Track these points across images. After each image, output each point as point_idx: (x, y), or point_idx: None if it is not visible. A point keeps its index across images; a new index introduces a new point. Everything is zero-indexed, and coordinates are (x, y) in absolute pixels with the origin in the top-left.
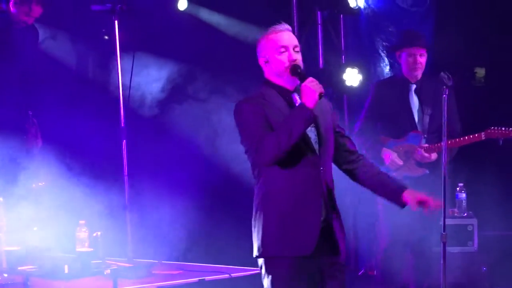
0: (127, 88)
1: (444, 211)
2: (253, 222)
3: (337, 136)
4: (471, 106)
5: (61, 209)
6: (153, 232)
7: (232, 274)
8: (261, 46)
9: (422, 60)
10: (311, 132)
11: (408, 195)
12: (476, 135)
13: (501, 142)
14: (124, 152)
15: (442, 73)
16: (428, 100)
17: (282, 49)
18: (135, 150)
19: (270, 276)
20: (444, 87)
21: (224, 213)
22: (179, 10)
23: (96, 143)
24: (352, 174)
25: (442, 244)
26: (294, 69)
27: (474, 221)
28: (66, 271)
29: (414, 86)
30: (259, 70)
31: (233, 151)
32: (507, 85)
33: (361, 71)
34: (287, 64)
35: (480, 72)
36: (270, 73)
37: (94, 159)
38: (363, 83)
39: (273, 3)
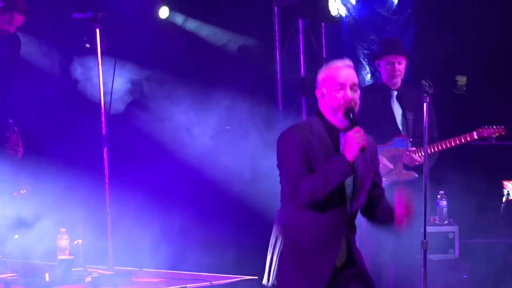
0: (109, 95)
1: (425, 218)
2: (269, 247)
3: (372, 184)
4: (453, 113)
5: (42, 217)
6: (134, 239)
7: (213, 282)
8: (319, 78)
9: (401, 67)
10: (348, 179)
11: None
12: (468, 134)
13: (493, 140)
14: (106, 159)
15: (423, 81)
16: (410, 106)
17: (339, 87)
18: (116, 157)
19: None
20: (425, 94)
21: (206, 220)
22: (160, 18)
23: (78, 151)
24: (368, 217)
25: (422, 251)
26: (347, 112)
27: (455, 228)
28: (47, 279)
29: (395, 93)
30: (240, 79)
31: (216, 156)
32: (487, 93)
33: None
34: (341, 102)
35: (462, 80)
36: (323, 107)
37: (75, 166)
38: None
39: (255, 11)
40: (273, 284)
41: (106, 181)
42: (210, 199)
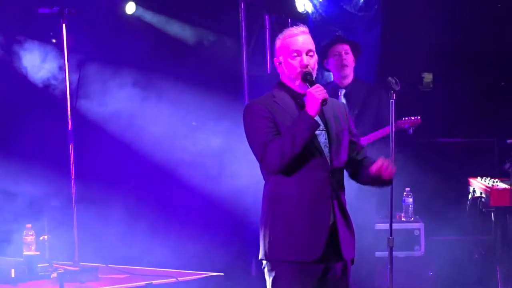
0: (75, 90)
1: (391, 215)
2: (260, 225)
3: (351, 142)
4: (419, 110)
5: (7, 213)
6: (100, 235)
7: (179, 278)
8: (276, 47)
9: (348, 58)
10: (321, 135)
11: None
12: (387, 127)
13: (411, 131)
14: (72, 155)
15: (389, 78)
16: (356, 102)
17: (295, 54)
18: (82, 152)
19: (274, 280)
20: (392, 91)
21: (171, 216)
22: (126, 13)
23: (44, 146)
24: (356, 179)
25: (389, 248)
26: (304, 76)
27: (421, 225)
28: (13, 275)
29: (343, 91)
30: (206, 75)
31: (181, 152)
32: (453, 90)
33: None
34: (298, 69)
35: (428, 77)
36: (283, 76)
37: (41, 162)
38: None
39: (221, 7)
40: (268, 258)
41: (72, 177)
42: (176, 195)
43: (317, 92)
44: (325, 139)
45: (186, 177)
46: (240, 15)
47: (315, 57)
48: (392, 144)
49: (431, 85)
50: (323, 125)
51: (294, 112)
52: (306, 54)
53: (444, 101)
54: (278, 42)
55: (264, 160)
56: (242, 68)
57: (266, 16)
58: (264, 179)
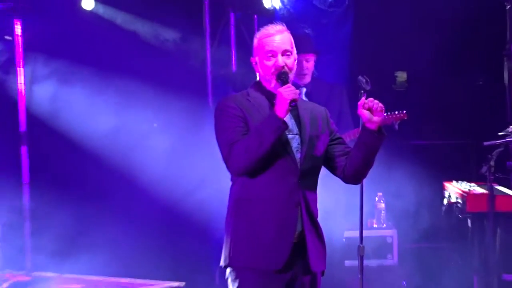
0: (28, 90)
1: (361, 221)
2: (224, 229)
3: (334, 144)
4: (392, 111)
5: None
6: (55, 243)
7: None
8: (253, 47)
9: (309, 65)
10: (294, 140)
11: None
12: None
13: (396, 126)
14: (24, 158)
15: (360, 77)
16: (319, 101)
17: (270, 54)
18: (35, 156)
19: (236, 287)
20: (362, 91)
21: (131, 223)
22: (85, 10)
23: None
24: (347, 178)
25: (359, 257)
26: (279, 76)
27: (394, 232)
28: None
29: (304, 89)
30: (169, 74)
31: (140, 156)
32: (428, 90)
33: None
34: (272, 70)
35: (402, 76)
36: (259, 75)
37: None
38: None
39: (185, 3)
40: (229, 265)
41: (25, 181)
42: (135, 201)
43: (286, 92)
44: (298, 143)
45: (146, 182)
46: (203, 11)
47: (294, 56)
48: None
49: (405, 85)
50: (297, 129)
51: (267, 112)
52: (282, 55)
53: (419, 101)
54: (254, 42)
55: (229, 160)
56: (206, 67)
57: (231, 13)
58: (231, 180)
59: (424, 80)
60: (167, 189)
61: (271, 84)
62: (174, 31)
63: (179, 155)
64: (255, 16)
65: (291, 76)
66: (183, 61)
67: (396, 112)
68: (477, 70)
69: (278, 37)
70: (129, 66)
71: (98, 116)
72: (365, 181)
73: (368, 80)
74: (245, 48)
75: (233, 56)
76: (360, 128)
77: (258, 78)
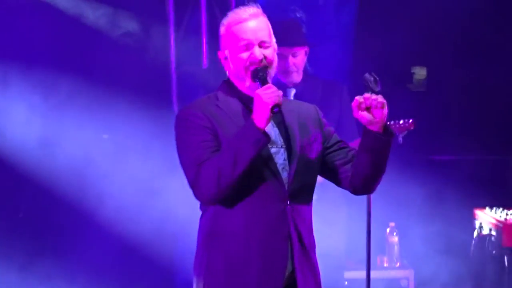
0: None
1: (369, 259)
2: (193, 270)
3: (334, 150)
4: (408, 117)
5: None
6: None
7: None
8: (221, 37)
9: (297, 61)
10: (278, 154)
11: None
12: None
13: (400, 139)
14: None
15: (367, 75)
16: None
17: (244, 46)
18: None
19: None
20: (370, 92)
21: (77, 260)
22: None
23: None
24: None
25: None
26: (255, 73)
27: (410, 273)
28: None
29: (292, 91)
30: (122, 71)
31: (91, 173)
32: (455, 91)
33: None
34: (247, 64)
35: (420, 73)
36: (230, 73)
37: None
38: None
39: None
40: None
41: None
42: (83, 229)
43: (267, 94)
44: (284, 159)
45: (95, 205)
46: None
47: (273, 47)
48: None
49: (425, 84)
50: (282, 140)
51: (242, 121)
52: (259, 46)
53: (442, 105)
54: (222, 30)
55: (196, 185)
56: (170, 62)
57: None
58: (200, 209)
59: (449, 78)
60: (122, 215)
61: (246, 83)
62: (129, 17)
63: (135, 175)
64: None
65: (272, 71)
66: (140, 54)
67: (401, 122)
68: None
69: (253, 22)
70: (72, 60)
71: (30, 123)
72: (373, 207)
73: (377, 78)
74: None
75: (204, 49)
76: (362, 132)
77: (228, 76)
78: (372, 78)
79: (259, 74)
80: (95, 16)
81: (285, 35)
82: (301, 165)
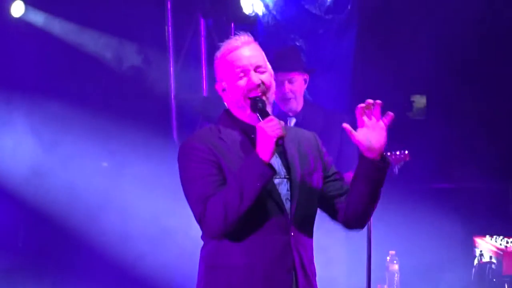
0: None
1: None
2: None
3: (330, 181)
4: (407, 146)
5: None
6: None
7: None
8: (216, 69)
9: (294, 87)
10: (282, 185)
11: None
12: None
13: (396, 170)
14: None
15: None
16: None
17: (240, 73)
18: None
19: None
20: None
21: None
22: (13, 16)
23: None
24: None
25: None
26: (253, 104)
27: None
28: None
29: (293, 120)
30: (120, 98)
31: (87, 204)
32: (454, 119)
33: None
34: (245, 91)
35: (420, 101)
36: (230, 104)
37: None
38: None
39: (142, 9)
40: None
41: None
42: (76, 260)
43: (270, 127)
44: (287, 189)
45: (92, 236)
46: (166, 18)
47: (269, 71)
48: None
49: (425, 112)
50: (285, 171)
51: (246, 152)
52: (255, 71)
53: (442, 133)
54: (216, 62)
55: (204, 221)
56: (169, 90)
57: (201, 20)
58: (203, 240)
59: (448, 106)
60: (118, 249)
61: (246, 112)
62: (129, 44)
63: (134, 203)
64: (232, 24)
65: (270, 97)
66: (140, 82)
67: (398, 153)
68: None
69: (246, 49)
70: (70, 88)
71: (28, 153)
72: (374, 236)
73: None
74: None
75: (204, 76)
76: (358, 159)
77: (227, 107)
78: None
79: (258, 105)
80: (95, 45)
81: (282, 61)
82: (303, 195)
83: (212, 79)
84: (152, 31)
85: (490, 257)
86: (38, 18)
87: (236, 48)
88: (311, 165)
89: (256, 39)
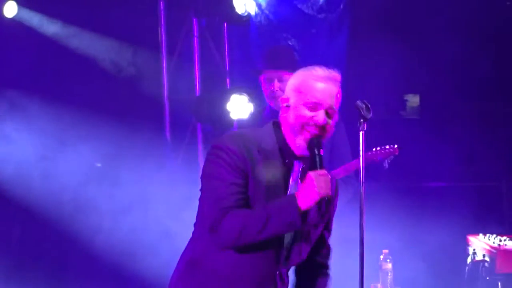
0: None
1: (362, 287)
2: None
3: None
4: (401, 145)
5: None
6: None
7: None
8: (290, 82)
9: (284, 85)
10: None
11: None
12: (355, 161)
13: (386, 164)
14: None
15: (358, 102)
16: None
17: (312, 104)
18: None
19: None
20: (362, 120)
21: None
22: (6, 17)
23: None
24: (300, 276)
25: None
26: (311, 144)
27: None
28: None
29: None
30: (114, 99)
31: (79, 205)
32: (446, 118)
33: (252, 98)
34: (307, 122)
35: (413, 100)
36: (285, 120)
37: None
38: (256, 116)
39: (135, 10)
40: None
41: None
42: (70, 262)
43: (321, 182)
44: (291, 236)
45: (85, 238)
46: (159, 18)
47: (336, 117)
48: (362, 189)
49: (418, 111)
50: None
51: (277, 174)
52: (326, 111)
53: (435, 132)
54: (296, 79)
55: (217, 230)
56: (162, 90)
57: (194, 20)
58: (194, 234)
59: (441, 105)
60: (111, 251)
61: (296, 140)
62: (122, 44)
63: (128, 205)
64: (225, 24)
65: (325, 139)
66: (132, 83)
67: (387, 147)
68: (508, 93)
69: (331, 87)
70: (64, 89)
71: (23, 153)
72: (367, 234)
73: (369, 105)
74: (212, 65)
75: (197, 76)
76: None
77: (279, 120)
78: (364, 105)
79: (315, 149)
80: (88, 46)
81: (273, 59)
82: (304, 243)
83: (205, 80)
84: (145, 31)
85: (483, 256)
86: (31, 18)
87: (324, 79)
88: (323, 216)
89: (250, 39)
